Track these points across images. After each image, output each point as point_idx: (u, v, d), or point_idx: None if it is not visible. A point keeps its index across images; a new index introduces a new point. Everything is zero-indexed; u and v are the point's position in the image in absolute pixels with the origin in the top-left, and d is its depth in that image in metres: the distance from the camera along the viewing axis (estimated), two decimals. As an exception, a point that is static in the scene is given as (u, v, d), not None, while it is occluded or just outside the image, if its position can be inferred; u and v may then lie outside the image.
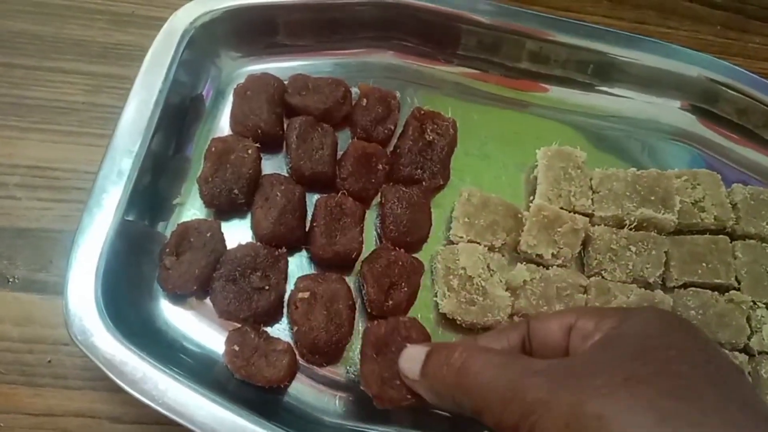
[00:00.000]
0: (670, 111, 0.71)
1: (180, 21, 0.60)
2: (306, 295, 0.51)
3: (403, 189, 0.58)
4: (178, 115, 0.60)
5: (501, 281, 0.57)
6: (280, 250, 0.54)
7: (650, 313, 0.39)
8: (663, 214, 0.59)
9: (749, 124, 0.69)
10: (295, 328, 0.51)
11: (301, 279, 0.53)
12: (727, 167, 0.69)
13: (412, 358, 0.44)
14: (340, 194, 0.57)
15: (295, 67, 0.65)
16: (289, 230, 0.55)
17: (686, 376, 0.32)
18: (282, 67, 0.66)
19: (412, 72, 0.69)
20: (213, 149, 0.56)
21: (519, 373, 0.36)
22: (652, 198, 0.60)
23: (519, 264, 0.58)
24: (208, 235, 0.53)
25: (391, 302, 0.53)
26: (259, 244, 0.54)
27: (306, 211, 0.57)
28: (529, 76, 0.71)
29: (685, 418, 0.30)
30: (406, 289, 0.54)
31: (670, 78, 0.70)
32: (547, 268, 0.58)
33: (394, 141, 0.63)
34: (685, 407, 0.31)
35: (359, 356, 0.50)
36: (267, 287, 0.52)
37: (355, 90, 0.64)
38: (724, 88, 0.68)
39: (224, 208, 0.56)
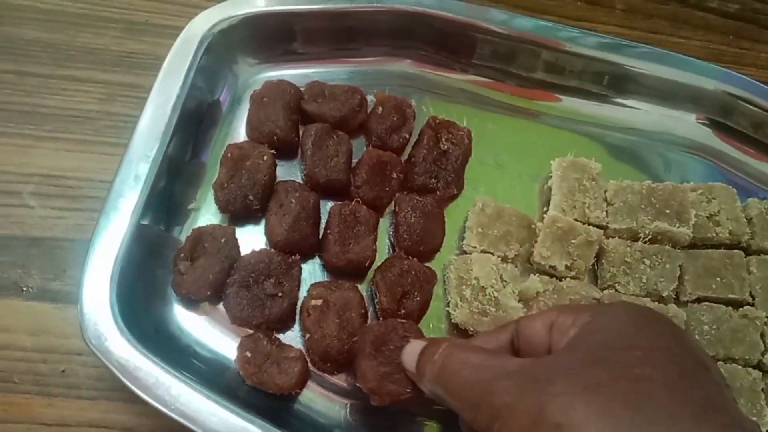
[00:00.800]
0: (686, 124, 0.71)
1: (198, 27, 0.61)
2: (319, 302, 0.52)
3: (417, 198, 0.58)
4: (195, 121, 0.60)
5: (514, 292, 0.56)
6: (293, 257, 0.54)
7: (621, 309, 0.39)
8: (678, 227, 0.59)
9: (766, 139, 0.69)
10: (307, 336, 0.51)
11: (314, 286, 0.53)
12: (743, 181, 0.69)
13: (410, 352, 0.45)
14: (354, 202, 0.57)
15: (312, 74, 0.66)
16: (303, 237, 0.55)
17: (645, 380, 0.32)
18: (298, 74, 0.66)
19: (427, 81, 0.69)
20: (229, 155, 0.57)
21: (492, 375, 0.37)
22: (667, 211, 0.60)
23: (532, 275, 0.58)
24: (223, 240, 0.53)
25: (403, 311, 0.53)
26: (272, 250, 0.54)
27: (320, 218, 0.57)
28: (545, 86, 0.71)
29: (636, 427, 0.30)
30: (418, 298, 0.54)
31: (686, 91, 0.69)
32: (560, 280, 0.58)
33: (408, 150, 0.63)
34: (637, 416, 0.30)
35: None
36: (280, 294, 0.52)
37: (370, 98, 0.64)
38: (740, 102, 0.68)
39: (239, 213, 0.57)
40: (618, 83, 0.70)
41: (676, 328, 0.37)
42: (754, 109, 0.68)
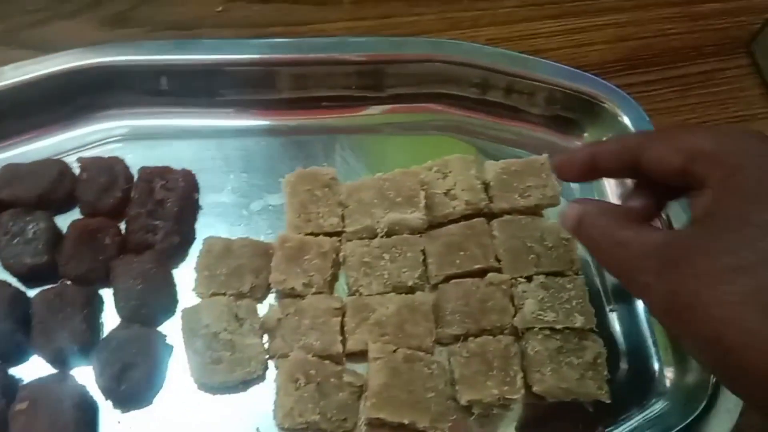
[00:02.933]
0: (428, 106, 0.70)
1: None
2: (24, 405, 0.47)
3: (133, 258, 0.55)
4: None
5: (253, 327, 0.53)
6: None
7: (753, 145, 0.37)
8: (410, 213, 0.58)
9: (494, 98, 0.68)
10: (19, 445, 0.47)
11: (20, 388, 0.49)
12: (489, 147, 0.68)
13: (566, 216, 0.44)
14: (60, 283, 0.53)
15: (9, 158, 0.61)
16: (3, 339, 0.50)
17: None
18: (-2, 158, 0.61)
19: (141, 130, 0.65)
20: None
21: (634, 254, 0.38)
22: (399, 200, 0.58)
23: (269, 303, 0.55)
24: None
25: (125, 386, 0.49)
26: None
27: (22, 312, 0.52)
28: (288, 103, 0.68)
29: None
30: (143, 367, 0.50)
31: (415, 71, 0.68)
32: (303, 299, 0.55)
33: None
34: None
35: None
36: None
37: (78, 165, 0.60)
38: (462, 68, 0.67)
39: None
40: (363, 82, 0.68)
41: None
42: (476, 70, 0.67)
